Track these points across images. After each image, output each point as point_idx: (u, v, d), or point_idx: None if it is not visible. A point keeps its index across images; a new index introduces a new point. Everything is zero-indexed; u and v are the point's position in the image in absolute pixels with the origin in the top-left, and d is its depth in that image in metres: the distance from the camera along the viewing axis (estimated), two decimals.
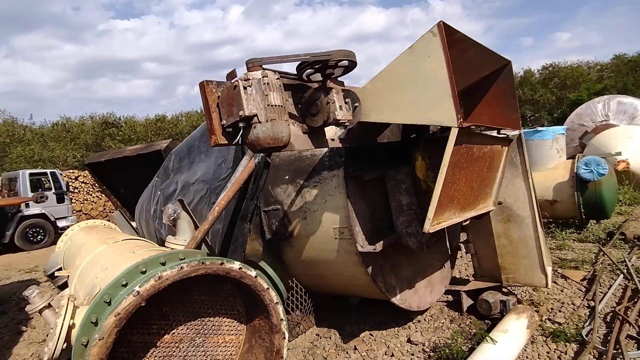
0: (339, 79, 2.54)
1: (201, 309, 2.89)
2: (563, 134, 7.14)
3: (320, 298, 4.28)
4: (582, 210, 6.61)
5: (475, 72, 3.18)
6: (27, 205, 13.81)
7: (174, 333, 2.79)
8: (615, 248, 5.80)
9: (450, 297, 4.45)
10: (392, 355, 3.45)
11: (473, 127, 2.98)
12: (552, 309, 4.07)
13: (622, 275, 4.66)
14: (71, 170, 20.69)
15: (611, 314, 3.72)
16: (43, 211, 14.05)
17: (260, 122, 1.94)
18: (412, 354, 3.44)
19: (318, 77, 2.46)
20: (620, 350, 2.99)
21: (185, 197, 4.42)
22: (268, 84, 1.98)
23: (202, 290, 2.87)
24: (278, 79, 2.03)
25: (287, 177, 3.73)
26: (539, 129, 7.09)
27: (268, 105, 1.96)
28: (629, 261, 4.98)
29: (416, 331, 3.83)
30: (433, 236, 3.29)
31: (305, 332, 4.10)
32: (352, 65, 2.32)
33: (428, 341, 3.60)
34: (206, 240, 4.47)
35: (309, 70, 2.33)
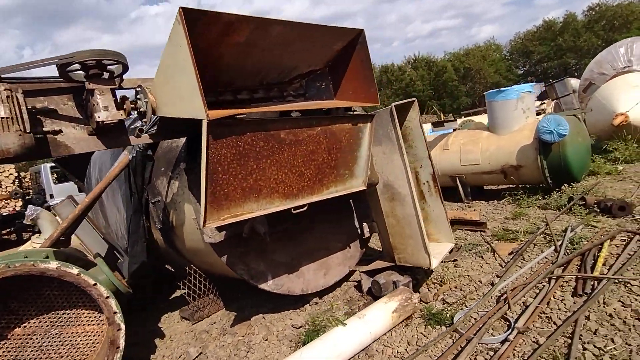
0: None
1: (54, 303, 3.06)
2: (530, 91, 6.48)
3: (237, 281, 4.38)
4: (548, 175, 6.08)
5: (316, 49, 2.96)
6: (50, 196, 14.98)
7: (25, 326, 3.00)
8: (574, 215, 5.33)
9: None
10: (267, 339, 3.48)
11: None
12: (456, 287, 3.88)
13: (552, 248, 4.30)
14: None
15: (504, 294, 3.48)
16: None
17: None
18: (288, 338, 3.46)
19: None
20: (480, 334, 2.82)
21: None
22: None
23: (54, 286, 3.04)
24: (6, 89, 2.03)
25: (162, 169, 3.76)
26: (502, 89, 6.49)
27: None
28: (570, 231, 4.57)
29: (306, 314, 3.82)
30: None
31: (210, 316, 4.23)
32: (113, 63, 2.25)
33: (310, 324, 3.59)
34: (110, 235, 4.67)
35: (78, 72, 2.30)
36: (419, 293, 3.76)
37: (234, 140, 2.32)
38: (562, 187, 6.22)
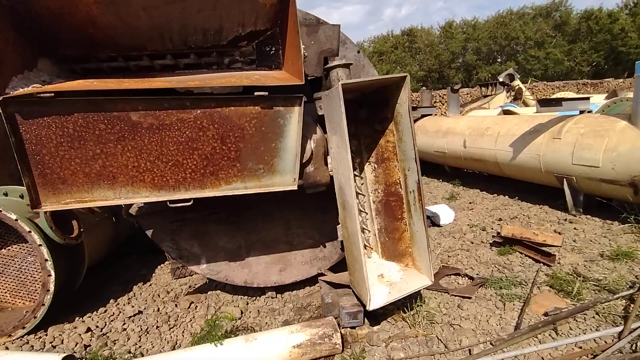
0: None
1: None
2: None
3: None
4: None
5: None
6: None
7: None
8: None
9: None
10: (191, 320, 3.35)
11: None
12: (416, 338, 2.90)
13: (618, 329, 2.74)
14: None
15: None
16: None
17: None
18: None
19: None
20: None
21: None
22: None
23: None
24: None
25: None
26: None
27: None
28: None
29: (240, 308, 3.49)
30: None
31: (192, 275, 4.32)
32: None
33: (210, 322, 3.25)
34: None
35: None
36: (356, 333, 2.96)
37: (57, 120, 2.02)
38: None
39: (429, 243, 2.90)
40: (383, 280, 3.04)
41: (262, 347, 2.58)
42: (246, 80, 2.29)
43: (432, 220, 5.44)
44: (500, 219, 5.46)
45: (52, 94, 1.94)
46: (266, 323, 3.28)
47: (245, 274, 3.42)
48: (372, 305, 2.68)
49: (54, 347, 3.09)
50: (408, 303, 3.14)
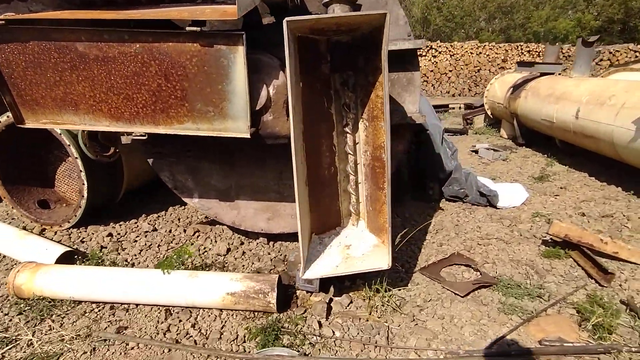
0: None
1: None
2: None
3: None
4: None
5: None
6: None
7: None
8: None
9: None
10: (188, 246, 3.65)
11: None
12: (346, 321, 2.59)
13: None
14: None
15: None
16: None
17: None
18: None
19: None
20: None
21: None
22: None
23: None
24: None
25: None
26: None
27: None
28: None
29: (240, 243, 3.63)
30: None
31: None
32: None
33: (174, 254, 3.41)
34: None
35: None
36: (298, 299, 2.80)
37: (19, 47, 2.24)
38: None
39: (390, 222, 2.45)
40: (346, 251, 2.75)
41: (200, 285, 2.67)
42: (177, 13, 2.14)
43: (489, 200, 4.58)
44: (583, 214, 4.29)
45: (3, 22, 2.15)
46: (243, 266, 3.37)
47: (234, 215, 3.51)
48: (306, 274, 2.47)
49: (82, 241, 3.77)
50: (384, 283, 2.79)
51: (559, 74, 7.39)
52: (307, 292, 2.89)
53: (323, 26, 2.36)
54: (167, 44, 2.22)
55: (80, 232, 3.94)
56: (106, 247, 3.67)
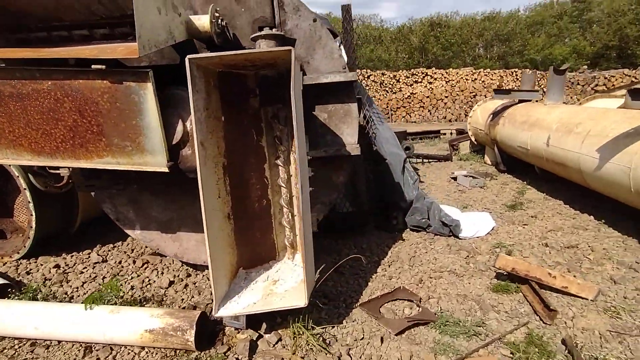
0: None
1: None
2: None
3: None
4: None
5: None
6: None
7: None
8: None
9: None
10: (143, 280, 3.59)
11: None
12: None
13: None
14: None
15: None
16: None
17: None
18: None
19: None
20: None
21: None
22: None
23: None
24: None
25: None
26: None
27: None
28: None
29: (187, 275, 3.56)
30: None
31: None
32: None
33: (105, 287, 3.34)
34: None
35: None
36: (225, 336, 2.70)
37: None
38: None
39: (308, 257, 2.39)
40: (270, 287, 2.67)
41: (120, 322, 2.60)
42: (88, 51, 2.18)
43: (451, 230, 4.48)
44: (546, 245, 4.16)
45: None
46: (182, 299, 3.29)
47: (176, 247, 3.46)
48: (219, 312, 2.39)
49: (29, 272, 3.74)
50: (308, 321, 2.70)
51: (537, 101, 7.39)
52: (235, 328, 2.80)
53: (232, 62, 2.38)
54: (78, 81, 2.25)
55: (30, 263, 3.91)
56: (50, 279, 3.62)
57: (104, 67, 2.16)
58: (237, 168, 2.74)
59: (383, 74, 22.39)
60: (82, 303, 2.77)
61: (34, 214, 3.75)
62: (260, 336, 2.75)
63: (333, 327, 2.84)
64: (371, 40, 37.29)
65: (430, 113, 22.13)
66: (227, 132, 2.65)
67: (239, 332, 2.77)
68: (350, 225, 4.39)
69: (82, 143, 2.46)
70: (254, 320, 2.81)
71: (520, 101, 7.49)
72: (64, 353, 2.63)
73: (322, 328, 2.79)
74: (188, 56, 2.10)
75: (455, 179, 7.30)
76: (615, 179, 4.21)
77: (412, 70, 22.50)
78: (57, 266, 3.83)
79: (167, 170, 2.48)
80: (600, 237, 4.34)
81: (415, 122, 22.10)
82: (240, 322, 2.74)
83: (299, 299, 2.42)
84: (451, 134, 13.78)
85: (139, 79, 2.22)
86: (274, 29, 2.77)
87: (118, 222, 3.46)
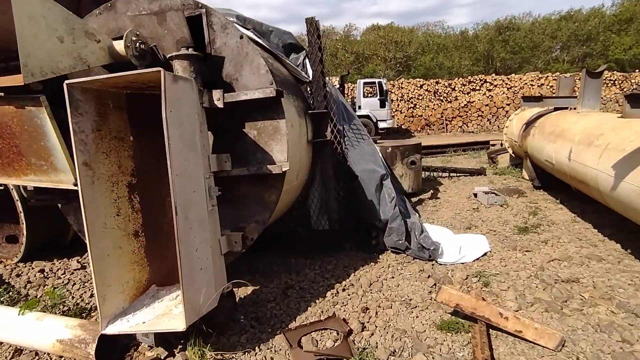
0: None
1: None
2: None
3: None
4: None
5: None
6: (358, 107, 18.17)
7: None
8: None
9: None
10: None
11: None
12: None
13: None
14: (402, 80, 23.26)
15: None
16: (368, 113, 17.93)
17: None
18: None
19: None
20: None
21: None
22: None
23: None
24: None
25: None
26: None
27: None
28: None
29: None
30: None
31: None
32: None
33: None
34: None
35: None
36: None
37: None
38: None
39: (183, 282, 2.31)
40: (172, 307, 2.64)
41: (39, 329, 2.75)
42: None
43: (430, 253, 4.06)
44: (538, 277, 3.57)
45: None
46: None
47: None
48: (106, 330, 2.41)
49: (18, 275, 4.15)
50: (205, 347, 2.62)
51: (573, 108, 6.47)
52: (148, 345, 2.80)
53: (132, 84, 2.44)
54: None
55: (26, 266, 4.36)
56: (32, 283, 3.99)
57: (1, 94, 2.34)
58: (150, 185, 2.78)
59: (437, 82, 21.42)
60: (18, 308, 3.00)
61: (24, 223, 4.19)
62: (170, 355, 2.73)
63: (245, 352, 2.72)
64: (434, 49, 36.00)
65: (490, 122, 20.62)
66: (138, 150, 2.70)
67: (151, 349, 2.78)
68: (318, 244, 4.19)
69: (9, 162, 2.69)
70: (169, 338, 2.79)
71: (556, 109, 6.63)
72: None
73: (233, 354, 2.68)
74: (65, 82, 2.19)
75: (475, 195, 6.65)
76: (629, 200, 3.50)
77: (469, 77, 21.19)
78: (42, 271, 4.21)
79: (74, 187, 2.61)
80: (614, 271, 3.61)
81: (472, 132, 20.75)
82: (150, 339, 2.74)
83: (179, 323, 2.35)
84: (501, 144, 12.67)
85: (35, 103, 2.38)
86: (190, 49, 2.79)
87: (80, 234, 3.70)
